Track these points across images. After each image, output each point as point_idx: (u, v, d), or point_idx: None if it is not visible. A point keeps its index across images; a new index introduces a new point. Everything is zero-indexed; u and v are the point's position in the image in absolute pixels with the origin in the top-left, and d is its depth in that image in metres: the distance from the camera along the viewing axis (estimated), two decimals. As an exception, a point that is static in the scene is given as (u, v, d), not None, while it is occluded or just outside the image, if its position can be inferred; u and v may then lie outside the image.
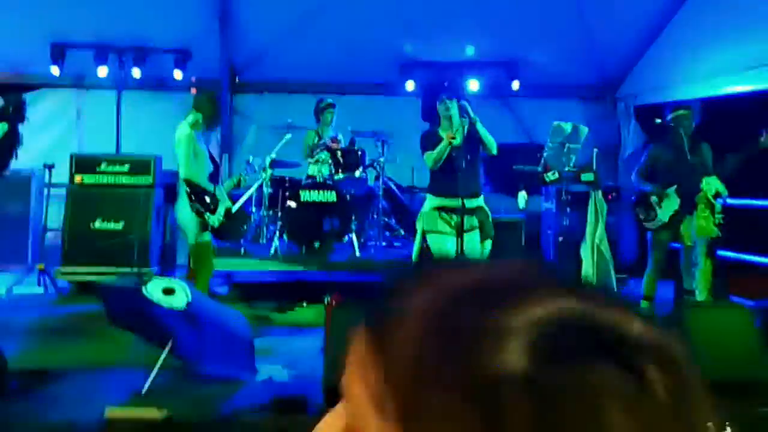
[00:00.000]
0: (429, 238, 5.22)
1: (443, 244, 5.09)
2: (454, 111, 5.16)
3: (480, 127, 5.05)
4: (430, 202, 5.25)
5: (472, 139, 5.14)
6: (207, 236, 5.22)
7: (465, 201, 4.95)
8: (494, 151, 5.10)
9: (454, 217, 5.03)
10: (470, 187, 5.02)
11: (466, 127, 5.19)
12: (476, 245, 5.06)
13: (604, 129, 9.30)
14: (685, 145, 5.62)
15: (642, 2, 8.11)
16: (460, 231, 4.99)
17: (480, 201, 5.17)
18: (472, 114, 5.11)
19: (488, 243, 5.20)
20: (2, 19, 7.85)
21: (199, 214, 5.11)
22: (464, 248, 5.05)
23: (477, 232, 5.06)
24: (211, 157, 5.51)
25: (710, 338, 4.30)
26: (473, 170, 5.09)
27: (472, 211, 5.07)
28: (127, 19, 8.24)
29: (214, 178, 5.37)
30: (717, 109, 6.92)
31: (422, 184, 8.82)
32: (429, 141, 5.23)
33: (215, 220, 5.15)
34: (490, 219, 5.19)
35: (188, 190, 5.17)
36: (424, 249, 5.16)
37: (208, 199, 5.18)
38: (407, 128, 7.40)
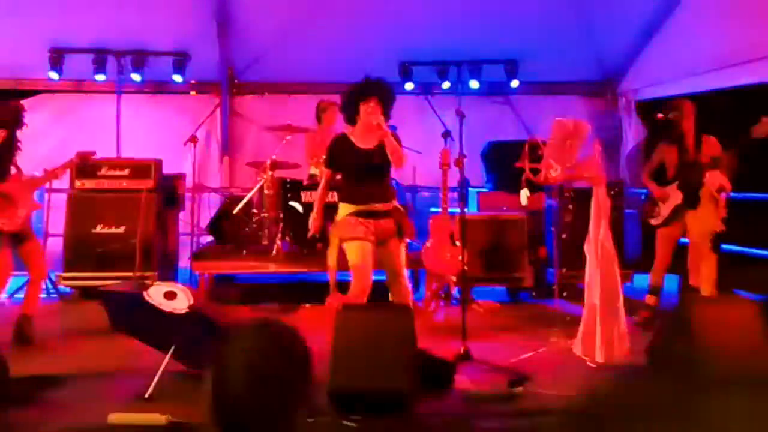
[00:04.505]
0: (346, 246, 4.87)
1: (360, 249, 4.77)
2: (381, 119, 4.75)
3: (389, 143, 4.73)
4: (344, 209, 4.92)
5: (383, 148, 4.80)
6: None
7: (379, 205, 4.82)
8: (400, 166, 4.85)
9: (372, 221, 4.83)
10: (383, 195, 4.83)
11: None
12: (393, 252, 4.86)
13: (605, 125, 9.28)
14: (687, 140, 5.60)
15: (641, -3, 8.08)
16: (377, 236, 4.82)
17: (394, 203, 4.93)
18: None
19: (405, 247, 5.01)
20: (0, 25, 7.84)
21: None
22: (383, 255, 4.86)
23: (394, 239, 4.86)
24: (14, 164, 5.36)
25: (716, 333, 4.26)
26: (384, 179, 4.89)
27: (389, 213, 4.88)
28: (125, 24, 8.22)
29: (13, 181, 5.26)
30: (716, 102, 6.90)
31: (423, 183, 8.86)
32: (334, 153, 4.96)
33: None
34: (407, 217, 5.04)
35: None
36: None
37: None
38: (407, 126, 7.37)
